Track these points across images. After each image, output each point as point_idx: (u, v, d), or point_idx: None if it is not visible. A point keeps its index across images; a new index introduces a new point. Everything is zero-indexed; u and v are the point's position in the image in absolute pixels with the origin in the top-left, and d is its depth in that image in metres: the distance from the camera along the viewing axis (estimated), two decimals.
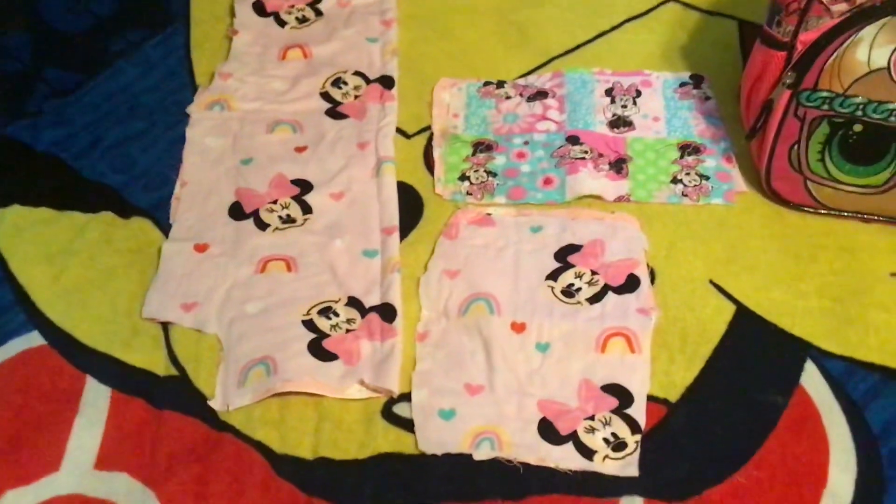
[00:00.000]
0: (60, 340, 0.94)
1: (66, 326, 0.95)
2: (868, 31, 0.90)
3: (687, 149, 1.08)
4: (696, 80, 1.17)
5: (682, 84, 1.16)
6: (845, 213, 1.02)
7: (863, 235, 0.99)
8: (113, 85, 1.22)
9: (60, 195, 1.08)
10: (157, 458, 0.84)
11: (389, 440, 0.85)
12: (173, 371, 0.91)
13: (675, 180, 1.05)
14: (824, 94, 0.94)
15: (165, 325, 0.95)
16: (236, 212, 1.05)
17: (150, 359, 0.92)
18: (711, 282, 0.95)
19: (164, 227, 1.04)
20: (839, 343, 0.90)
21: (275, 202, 1.05)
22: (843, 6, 0.92)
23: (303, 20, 1.28)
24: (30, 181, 1.10)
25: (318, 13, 1.29)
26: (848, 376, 0.87)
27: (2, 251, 1.02)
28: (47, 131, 1.15)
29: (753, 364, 0.89)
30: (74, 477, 0.84)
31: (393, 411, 0.87)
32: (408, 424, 0.86)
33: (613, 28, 1.25)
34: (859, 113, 0.94)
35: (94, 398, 0.89)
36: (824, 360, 0.89)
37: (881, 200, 0.99)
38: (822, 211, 1.02)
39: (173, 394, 0.89)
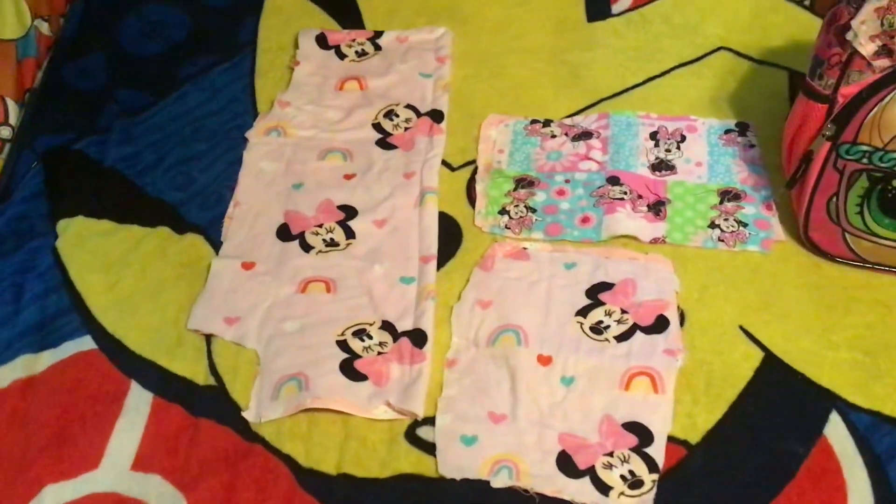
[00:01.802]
0: (110, 346, 0.99)
1: (117, 333, 1.00)
2: None
3: (727, 195, 1.10)
4: (742, 128, 1.18)
5: (728, 131, 1.18)
6: (886, 268, 1.01)
7: None
8: (179, 107, 1.28)
9: (122, 209, 1.14)
10: (189, 464, 0.88)
11: (411, 461, 0.87)
12: (212, 381, 0.95)
13: (712, 225, 1.06)
14: (864, 147, 0.94)
15: (208, 337, 0.99)
16: (284, 233, 1.09)
17: (191, 368, 0.97)
18: (741, 328, 0.96)
19: (215, 244, 1.09)
20: (866, 396, 0.89)
21: (320, 226, 1.09)
22: (885, 62, 0.93)
23: (362, 54, 1.33)
24: (96, 195, 1.16)
25: (378, 48, 1.34)
26: (873, 430, 0.87)
27: (63, 259, 1.08)
28: (115, 148, 1.22)
29: (777, 412, 0.89)
30: (112, 476, 0.88)
31: (416, 434, 0.89)
32: (430, 447, 0.88)
33: (663, 73, 1.27)
34: None
35: (137, 402, 0.94)
36: (850, 412, 0.89)
37: None
38: (862, 264, 1.02)
39: (210, 403, 0.93)
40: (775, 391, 0.90)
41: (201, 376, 0.96)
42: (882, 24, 0.92)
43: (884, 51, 0.93)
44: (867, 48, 0.93)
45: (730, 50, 1.30)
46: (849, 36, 0.94)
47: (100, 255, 1.08)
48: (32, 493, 0.87)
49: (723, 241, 1.04)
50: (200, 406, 0.93)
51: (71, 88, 1.31)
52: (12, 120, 1.24)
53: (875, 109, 0.93)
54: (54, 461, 0.89)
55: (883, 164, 0.95)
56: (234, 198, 1.14)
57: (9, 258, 1.08)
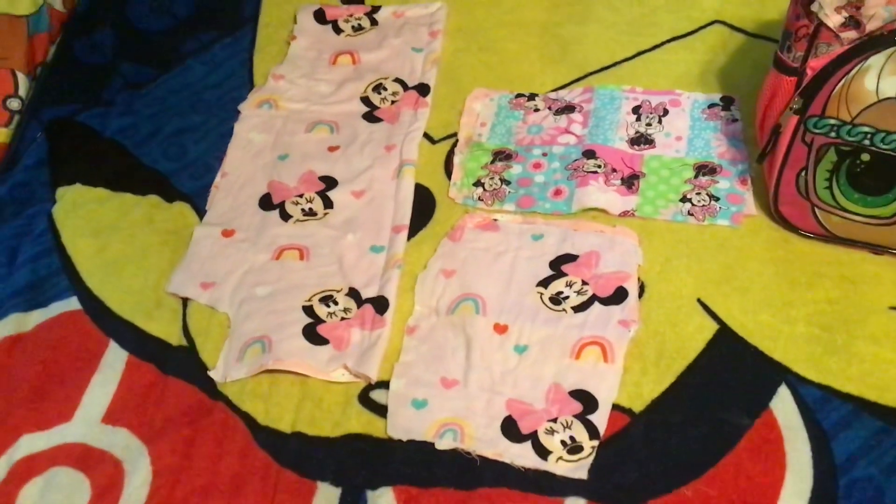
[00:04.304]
0: (94, 307, 1.04)
1: (101, 295, 1.05)
2: (876, 60, 0.89)
3: (703, 169, 1.09)
4: (726, 102, 1.17)
5: (711, 105, 1.17)
6: (856, 243, 1.00)
7: (869, 266, 0.98)
8: (180, 81, 1.33)
9: (117, 178, 1.19)
10: (155, 419, 0.93)
11: (361, 422, 0.90)
12: (184, 342, 0.99)
13: (683, 199, 1.06)
14: (832, 121, 0.93)
15: (185, 301, 1.03)
16: (265, 203, 1.13)
17: (167, 329, 1.01)
18: (699, 300, 0.96)
19: (202, 212, 1.13)
20: (818, 370, 0.89)
21: (301, 196, 1.12)
22: (852, 34, 0.91)
23: (358, 28, 1.36)
24: (94, 164, 1.21)
25: (374, 22, 1.36)
26: (822, 404, 0.87)
27: (57, 224, 1.13)
28: (115, 120, 1.27)
29: (725, 384, 0.89)
30: (83, 428, 0.93)
31: (370, 397, 0.92)
32: (382, 410, 0.91)
33: (655, 47, 1.26)
34: (867, 142, 0.92)
35: (113, 360, 0.99)
36: (800, 386, 0.88)
37: (891, 232, 0.97)
38: (831, 240, 1.00)
39: (181, 362, 0.98)
40: (725, 363, 0.91)
41: (175, 337, 1.00)
42: None
43: (851, 22, 0.91)
44: (833, 20, 0.92)
45: (724, 23, 1.28)
46: (814, 7, 0.92)
47: (92, 221, 1.13)
48: (9, 443, 0.92)
49: (692, 214, 1.04)
50: (171, 365, 0.97)
51: (80, 62, 1.37)
52: (21, 92, 1.30)
53: (842, 82, 0.91)
54: (32, 413, 0.95)
55: (851, 138, 0.93)
56: (221, 168, 1.18)
57: (8, 223, 1.14)
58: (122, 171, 1.20)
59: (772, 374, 0.89)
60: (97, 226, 1.13)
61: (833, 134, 0.94)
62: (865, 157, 0.94)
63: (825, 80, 0.92)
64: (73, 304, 1.05)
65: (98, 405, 0.95)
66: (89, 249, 1.10)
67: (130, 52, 1.38)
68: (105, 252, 1.10)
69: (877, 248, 0.99)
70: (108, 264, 1.08)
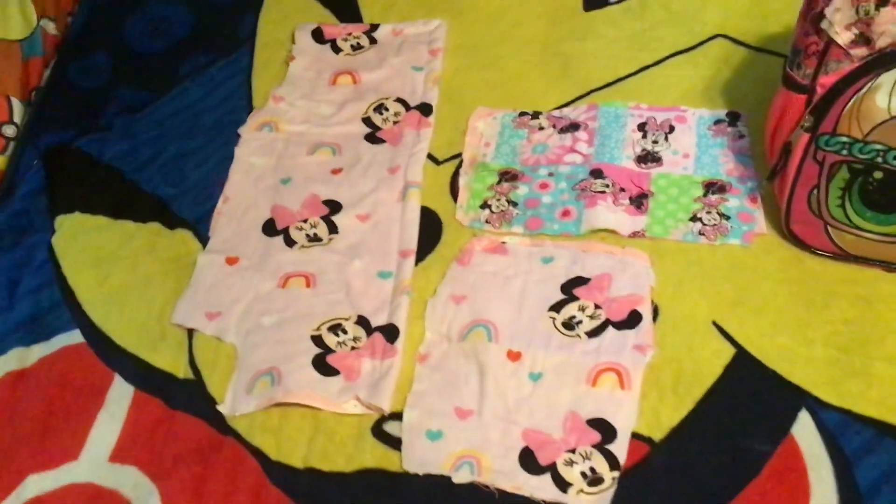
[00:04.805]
0: (97, 339, 1.02)
1: (104, 327, 1.04)
2: (887, 78, 0.88)
3: (712, 187, 1.08)
4: (733, 118, 1.16)
5: (718, 121, 1.16)
6: (869, 262, 0.99)
7: (883, 285, 0.97)
8: (178, 104, 1.31)
9: (117, 205, 1.17)
10: (164, 456, 0.91)
11: (376, 456, 0.88)
12: (191, 375, 0.98)
13: (694, 218, 1.05)
14: (843, 139, 0.92)
15: (190, 332, 1.01)
16: (269, 228, 1.11)
17: (172, 362, 0.99)
18: (714, 323, 0.95)
19: (204, 239, 1.12)
20: (838, 394, 0.88)
21: (305, 221, 1.11)
22: (862, 51, 0.90)
23: (357, 47, 1.34)
24: (93, 191, 1.19)
25: (373, 41, 1.35)
26: (843, 429, 0.85)
27: (58, 254, 1.11)
28: (113, 145, 1.25)
29: (744, 410, 0.88)
30: (90, 467, 0.91)
31: (384, 429, 0.91)
32: (396, 443, 0.89)
33: (657, 62, 1.25)
34: (879, 160, 0.91)
35: (119, 395, 0.97)
36: (820, 410, 0.87)
37: None
38: (845, 258, 0.99)
39: (188, 396, 0.96)
40: (744, 388, 0.89)
41: (181, 370, 0.98)
42: (857, 13, 0.89)
43: (861, 39, 0.90)
44: (843, 37, 0.91)
45: (727, 37, 1.27)
46: (823, 25, 0.91)
47: (92, 251, 1.12)
48: (15, 483, 0.90)
49: (703, 234, 1.03)
50: (179, 399, 0.96)
51: (75, 86, 1.35)
52: (17, 118, 1.28)
53: (853, 99, 0.90)
54: (38, 452, 0.93)
55: (863, 156, 0.92)
56: (223, 193, 1.16)
57: (7, 254, 1.12)
58: (121, 197, 1.18)
59: (791, 398, 0.88)
60: (98, 255, 1.11)
61: (845, 152, 0.93)
62: (878, 174, 0.93)
63: (836, 97, 0.91)
64: (75, 337, 1.03)
65: (105, 443, 0.93)
66: (91, 280, 1.08)
67: (127, 74, 1.36)
68: (107, 282, 1.08)
69: (890, 266, 0.98)
70: (111, 295, 1.07)
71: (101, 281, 1.08)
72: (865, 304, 0.95)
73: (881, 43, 0.89)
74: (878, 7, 0.88)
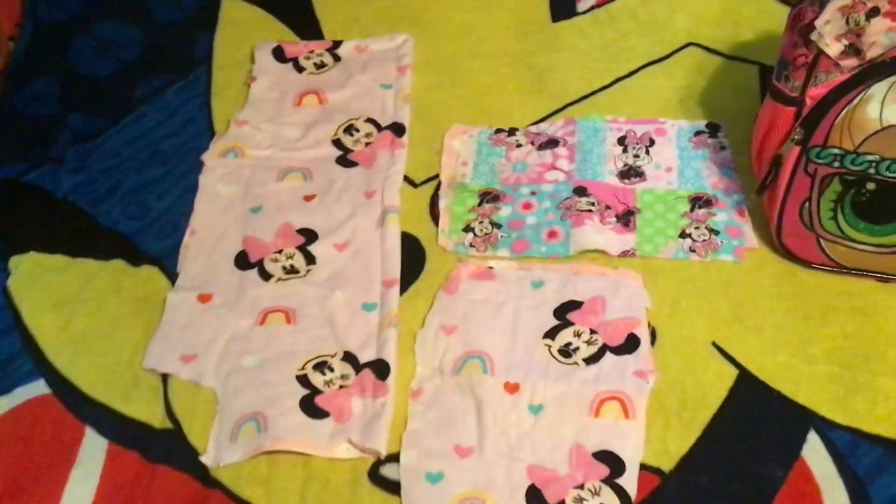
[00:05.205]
0: (64, 390, 0.96)
1: (71, 376, 0.97)
2: (879, 88, 0.87)
3: (699, 201, 1.06)
4: (713, 129, 1.14)
5: (698, 133, 1.14)
6: (863, 273, 0.98)
7: (879, 296, 0.96)
8: (134, 131, 1.24)
9: (76, 242, 1.10)
10: None
11: (374, 503, 0.84)
12: (168, 424, 0.92)
13: (683, 234, 1.02)
14: (835, 151, 0.91)
15: (165, 377, 0.96)
16: (242, 261, 1.05)
17: (147, 411, 0.93)
18: (714, 344, 0.92)
19: (172, 276, 1.05)
20: (845, 412, 0.86)
21: (280, 252, 1.05)
22: (852, 61, 0.89)
23: (321, 66, 1.29)
24: (48, 229, 1.12)
25: (337, 58, 1.30)
26: (852, 449, 0.84)
27: (14, 299, 1.04)
28: (67, 178, 1.18)
29: (753, 433, 0.86)
30: None
31: (381, 473, 0.86)
32: (394, 487, 0.85)
33: (631, 73, 1.23)
34: (872, 171, 0.90)
35: (92, 450, 0.90)
36: (828, 430, 0.85)
37: None
38: (839, 270, 0.98)
39: (167, 448, 0.90)
40: (751, 411, 0.87)
41: (157, 420, 0.92)
42: (847, 23, 0.88)
43: (851, 50, 0.89)
44: (833, 48, 0.89)
45: (699, 46, 1.25)
46: (813, 36, 0.90)
47: (52, 293, 1.05)
48: None
49: (694, 251, 1.01)
50: (157, 452, 0.90)
51: (22, 115, 1.27)
52: None
53: (845, 111, 0.89)
54: None
55: (855, 167, 0.91)
56: (190, 225, 1.10)
57: None
58: (80, 234, 1.11)
59: (799, 419, 0.86)
60: (59, 298, 1.04)
61: (837, 164, 0.91)
62: (871, 185, 0.92)
63: (827, 109, 0.90)
64: (40, 387, 0.96)
65: (81, 502, 0.86)
66: (53, 325, 1.01)
67: (77, 101, 1.28)
68: (70, 327, 1.01)
69: (885, 277, 0.97)
70: (76, 341, 1.00)
71: (64, 326, 1.01)
72: (863, 317, 0.94)
73: (872, 53, 0.88)
74: (868, 17, 0.87)
